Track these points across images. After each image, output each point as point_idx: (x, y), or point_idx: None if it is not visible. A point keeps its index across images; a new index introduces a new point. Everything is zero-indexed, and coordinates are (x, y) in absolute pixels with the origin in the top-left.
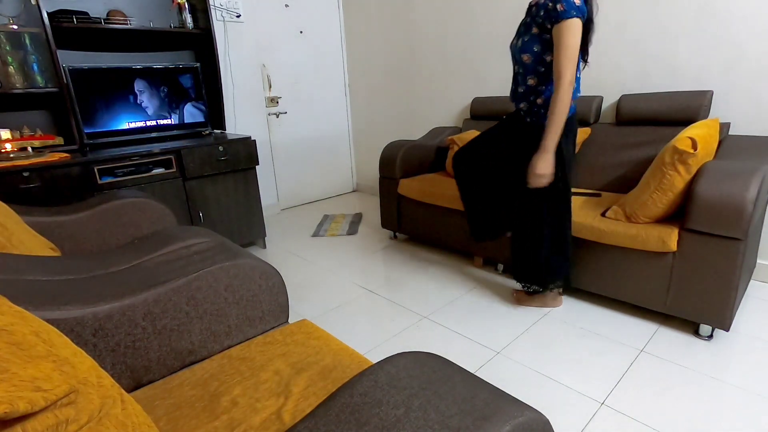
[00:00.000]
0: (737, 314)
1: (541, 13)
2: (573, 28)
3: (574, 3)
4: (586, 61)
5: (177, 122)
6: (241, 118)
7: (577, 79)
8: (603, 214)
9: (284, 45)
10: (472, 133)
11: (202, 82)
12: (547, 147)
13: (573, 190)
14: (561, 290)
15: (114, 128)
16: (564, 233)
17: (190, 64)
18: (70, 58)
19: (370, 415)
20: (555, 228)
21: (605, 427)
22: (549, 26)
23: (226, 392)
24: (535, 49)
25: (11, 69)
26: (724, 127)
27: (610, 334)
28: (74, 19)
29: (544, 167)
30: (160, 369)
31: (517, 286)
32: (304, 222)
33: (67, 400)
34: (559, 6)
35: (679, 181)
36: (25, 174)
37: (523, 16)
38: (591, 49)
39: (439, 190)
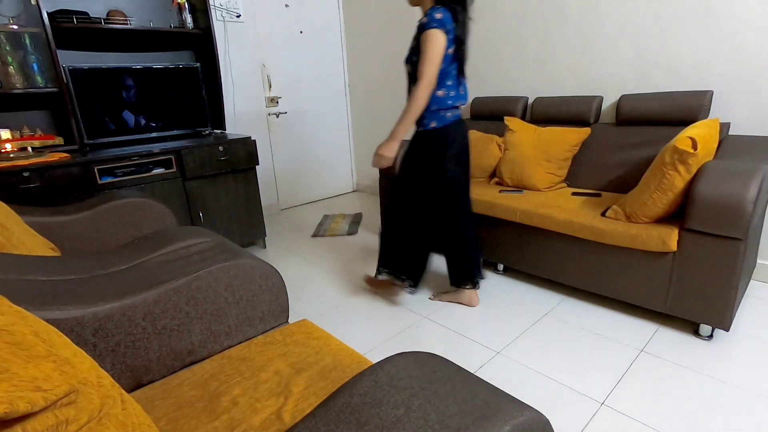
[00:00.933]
0: (737, 314)
1: (417, 28)
2: (432, 37)
3: (435, 17)
4: (462, 74)
5: (177, 122)
6: (241, 118)
7: (453, 87)
8: (603, 214)
9: (284, 45)
10: (473, 133)
11: (202, 82)
12: (394, 135)
13: (573, 190)
14: (408, 287)
15: (114, 128)
16: (411, 235)
17: (190, 64)
18: (70, 58)
19: (370, 415)
20: (404, 227)
21: (605, 427)
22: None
23: (226, 392)
24: (413, 59)
25: (11, 69)
26: (724, 127)
27: (610, 334)
28: (74, 19)
29: (384, 150)
30: (160, 369)
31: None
32: (304, 222)
33: (67, 400)
34: (423, 20)
35: (679, 181)
36: (25, 174)
37: (522, 14)
38: (588, 48)
39: None
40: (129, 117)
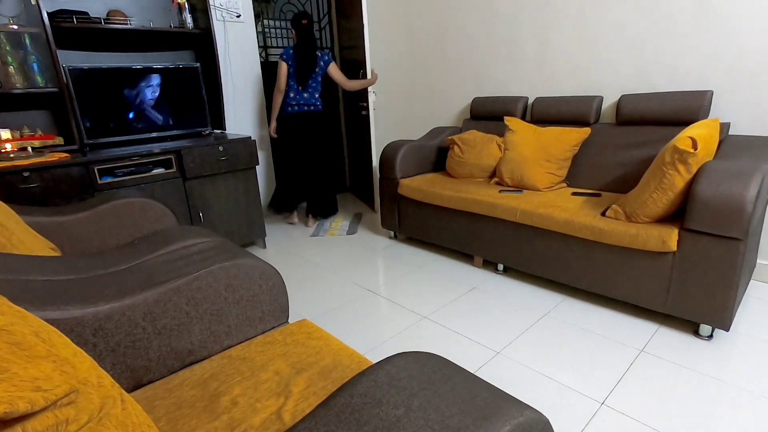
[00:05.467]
0: (737, 314)
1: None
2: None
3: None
4: (300, 85)
5: (177, 122)
6: (241, 118)
7: (291, 89)
8: (603, 214)
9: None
10: (473, 133)
11: (202, 82)
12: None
13: (573, 190)
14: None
15: (114, 128)
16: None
17: (190, 64)
18: (70, 58)
19: (370, 415)
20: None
21: (605, 427)
22: None
23: (226, 392)
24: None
25: (11, 69)
26: (724, 127)
27: (610, 334)
28: (74, 19)
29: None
30: (160, 369)
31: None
32: (303, 222)
33: (67, 400)
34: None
35: (679, 180)
36: (25, 174)
37: (522, 14)
38: (588, 48)
39: (439, 190)
40: (129, 117)
